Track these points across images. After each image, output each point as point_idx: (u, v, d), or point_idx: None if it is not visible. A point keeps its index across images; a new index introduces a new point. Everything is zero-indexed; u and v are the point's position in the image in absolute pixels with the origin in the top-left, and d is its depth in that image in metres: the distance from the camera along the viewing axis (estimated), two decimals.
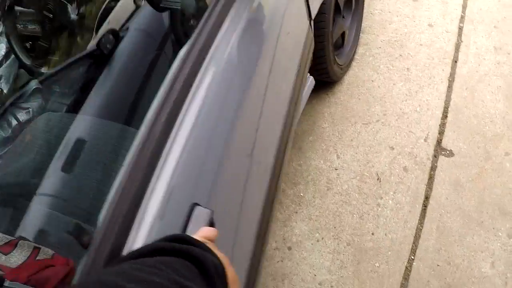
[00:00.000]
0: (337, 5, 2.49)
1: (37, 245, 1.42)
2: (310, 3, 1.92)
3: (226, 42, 1.42)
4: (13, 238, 1.47)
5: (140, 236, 1.03)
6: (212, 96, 1.33)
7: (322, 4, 2.17)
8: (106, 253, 1.01)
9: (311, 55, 2.12)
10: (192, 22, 1.39)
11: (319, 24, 2.25)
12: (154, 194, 1.11)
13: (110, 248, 1.02)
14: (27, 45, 1.68)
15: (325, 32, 2.33)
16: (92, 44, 1.53)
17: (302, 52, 1.95)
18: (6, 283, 0.82)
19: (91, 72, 1.58)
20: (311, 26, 2.02)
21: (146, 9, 1.47)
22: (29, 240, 1.43)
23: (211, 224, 1.09)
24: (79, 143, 1.49)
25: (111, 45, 1.38)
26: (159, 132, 1.16)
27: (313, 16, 2.01)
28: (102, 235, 1.03)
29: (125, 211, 1.06)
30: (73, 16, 1.46)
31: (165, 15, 1.45)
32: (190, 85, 1.26)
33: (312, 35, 2.06)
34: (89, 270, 0.97)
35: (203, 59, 1.31)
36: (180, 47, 1.31)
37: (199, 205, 1.09)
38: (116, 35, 1.40)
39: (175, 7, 1.38)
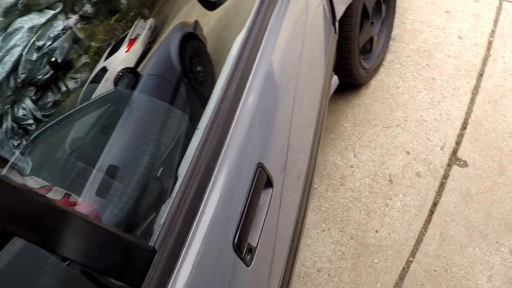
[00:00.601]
0: (365, 10, 2.63)
1: (68, 192, 1.68)
2: (334, 6, 2.09)
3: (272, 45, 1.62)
4: (48, 183, 1.73)
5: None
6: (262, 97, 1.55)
7: (349, 8, 2.32)
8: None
9: (334, 55, 2.28)
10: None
11: (345, 27, 2.41)
12: None
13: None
14: (82, 24, 1.94)
15: (351, 35, 2.48)
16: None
17: (325, 51, 2.12)
18: None
19: None
20: (335, 28, 2.19)
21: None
22: (62, 188, 1.69)
23: None
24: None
25: None
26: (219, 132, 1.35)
27: (337, 18, 2.17)
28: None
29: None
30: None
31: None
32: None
33: (336, 36, 2.22)
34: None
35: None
36: None
37: None
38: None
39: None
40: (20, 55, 1.77)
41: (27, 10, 1.87)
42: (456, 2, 3.41)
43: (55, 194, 1.73)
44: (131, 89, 1.58)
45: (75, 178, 1.72)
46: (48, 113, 1.92)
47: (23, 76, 1.79)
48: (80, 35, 1.92)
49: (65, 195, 1.71)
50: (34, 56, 1.82)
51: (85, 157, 1.74)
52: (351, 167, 2.96)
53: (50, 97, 1.95)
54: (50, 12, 1.90)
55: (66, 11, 1.87)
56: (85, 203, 1.59)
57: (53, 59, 1.84)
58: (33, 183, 1.78)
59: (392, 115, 3.09)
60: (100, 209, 1.60)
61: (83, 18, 1.99)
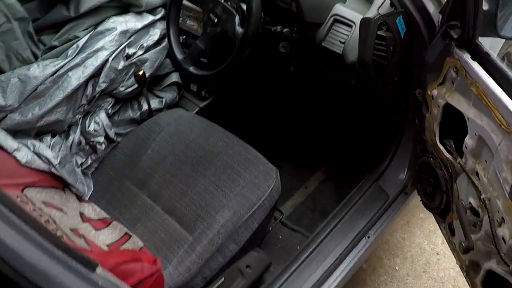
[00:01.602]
0: None
1: (129, 232, 1.37)
2: None
3: None
4: (108, 216, 1.43)
5: None
6: None
7: None
8: None
9: None
10: None
11: None
12: None
13: None
14: (181, 38, 1.69)
15: None
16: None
17: None
18: (98, 270, 0.75)
19: None
20: None
21: None
22: (122, 224, 1.39)
23: None
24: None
25: None
26: None
27: None
28: None
29: None
30: (238, 28, 1.41)
31: None
32: None
33: None
34: None
35: None
36: None
37: None
38: None
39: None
40: (106, 61, 1.50)
41: (124, 9, 1.64)
42: None
43: (113, 231, 1.43)
44: None
45: (139, 216, 1.41)
46: (123, 131, 1.65)
47: (103, 85, 1.52)
48: (177, 53, 1.65)
49: (124, 235, 1.40)
50: (121, 64, 1.55)
51: (154, 195, 1.43)
52: (437, 254, 2.52)
53: (128, 114, 1.68)
54: (149, 17, 1.65)
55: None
56: (148, 253, 1.27)
57: (140, 72, 1.57)
58: (91, 211, 1.49)
59: None
60: (164, 262, 1.27)
61: (185, 33, 1.73)
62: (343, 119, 1.94)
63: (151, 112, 1.71)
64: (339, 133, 1.94)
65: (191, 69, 1.53)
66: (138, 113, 1.69)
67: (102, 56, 1.49)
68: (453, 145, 1.16)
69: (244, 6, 1.40)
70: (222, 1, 1.41)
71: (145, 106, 1.69)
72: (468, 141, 1.05)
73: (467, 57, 1.04)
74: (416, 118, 1.34)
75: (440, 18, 1.17)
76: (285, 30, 1.40)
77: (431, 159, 1.24)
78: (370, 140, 1.84)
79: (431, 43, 1.19)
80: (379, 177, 1.50)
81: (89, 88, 1.53)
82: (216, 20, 1.42)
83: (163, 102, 1.74)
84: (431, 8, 1.22)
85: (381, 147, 1.61)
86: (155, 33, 1.66)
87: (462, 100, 1.07)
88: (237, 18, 1.38)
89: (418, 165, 1.32)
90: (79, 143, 1.55)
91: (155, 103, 1.72)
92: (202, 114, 1.75)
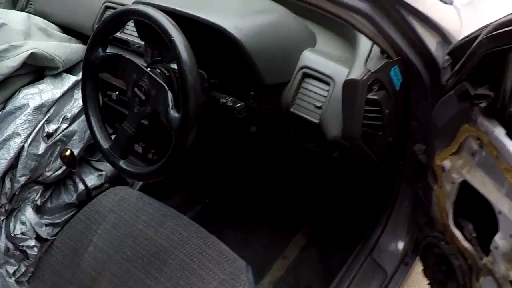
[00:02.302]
0: None
1: None
2: None
3: None
4: None
5: None
6: None
7: None
8: None
9: None
10: None
11: None
12: None
13: None
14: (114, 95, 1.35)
15: None
16: None
17: None
18: None
19: None
20: None
21: None
22: None
23: None
24: None
25: None
26: None
27: None
28: None
29: None
30: (172, 112, 0.97)
31: None
32: None
33: None
34: None
35: None
36: None
37: None
38: None
39: None
40: (21, 148, 1.19)
41: (37, 75, 1.30)
42: None
43: None
44: None
45: None
46: (58, 220, 1.33)
47: (23, 179, 1.21)
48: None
49: None
50: (42, 148, 1.24)
51: None
52: None
53: (63, 199, 1.36)
54: (71, 79, 1.33)
55: None
56: None
57: (67, 152, 1.26)
58: None
59: None
60: None
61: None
62: (323, 179, 1.70)
63: (89, 193, 1.40)
64: (319, 190, 1.69)
65: (121, 163, 1.08)
66: (75, 196, 1.39)
67: (15, 145, 1.17)
68: (473, 232, 0.93)
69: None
70: (148, 69, 1.03)
71: (81, 186, 1.38)
72: (500, 241, 0.81)
73: (500, 132, 0.77)
74: (419, 188, 1.11)
75: (447, 60, 0.92)
76: (237, 105, 1.04)
77: (442, 242, 1.02)
78: (356, 197, 1.61)
79: (440, 102, 0.93)
80: (372, 249, 1.26)
81: (7, 185, 1.22)
82: (143, 97, 1.02)
83: (103, 177, 1.44)
84: (433, 45, 0.94)
85: (370, 203, 1.38)
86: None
87: (489, 183, 0.83)
88: (170, 97, 0.97)
89: (424, 245, 1.09)
90: (7, 250, 1.24)
91: (93, 180, 1.42)
92: (151, 183, 1.46)
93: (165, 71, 1.06)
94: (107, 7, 1.41)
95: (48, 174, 1.28)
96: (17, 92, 1.25)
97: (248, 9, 1.12)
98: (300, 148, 1.23)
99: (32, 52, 1.23)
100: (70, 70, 1.36)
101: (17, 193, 1.22)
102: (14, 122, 1.19)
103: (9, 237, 1.24)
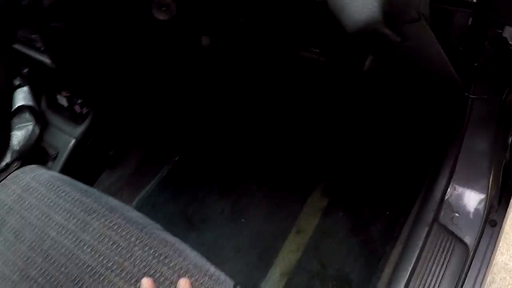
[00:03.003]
0: None
1: None
2: None
3: None
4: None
5: None
6: None
7: None
8: None
9: None
10: None
11: None
12: None
13: None
14: None
15: None
16: None
17: None
18: None
19: None
20: None
21: None
22: None
23: None
24: None
25: None
26: None
27: None
28: None
29: None
30: None
31: None
32: None
33: None
34: None
35: None
36: None
37: None
38: None
39: None
40: None
41: None
42: None
43: None
44: None
45: None
46: None
47: None
48: None
49: None
50: None
51: None
52: None
53: None
54: None
55: None
56: None
57: None
58: None
59: None
60: None
61: None
62: (343, 108, 1.17)
63: None
64: (337, 124, 1.17)
65: None
66: None
67: None
68: None
69: None
70: None
71: None
72: None
73: None
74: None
75: None
76: None
77: None
78: (399, 131, 1.09)
79: None
80: (438, 211, 0.79)
81: None
82: None
83: (8, 154, 0.93)
84: None
85: (422, 140, 0.90)
86: None
87: None
88: None
89: None
90: None
91: None
92: (85, 148, 0.97)
93: None
94: None
95: None
96: None
97: None
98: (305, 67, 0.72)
99: None
100: None
101: None
102: None
103: None
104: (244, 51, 1.13)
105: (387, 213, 0.96)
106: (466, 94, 0.69)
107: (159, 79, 1.13)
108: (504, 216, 0.81)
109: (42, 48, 0.83)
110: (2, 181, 0.85)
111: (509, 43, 0.53)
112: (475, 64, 0.68)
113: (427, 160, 0.89)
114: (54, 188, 0.78)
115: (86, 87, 0.95)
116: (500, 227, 0.81)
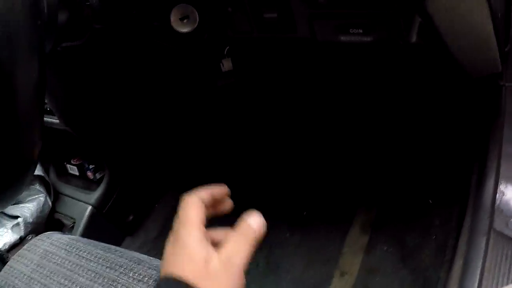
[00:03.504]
0: None
1: None
2: None
3: None
4: None
5: None
6: None
7: None
8: None
9: None
10: None
11: None
12: None
13: None
14: None
15: None
16: None
17: None
18: None
19: None
20: None
21: None
22: None
23: None
24: None
25: None
26: None
27: None
28: None
29: None
30: None
31: None
32: None
33: None
34: None
35: None
36: None
37: None
38: None
39: None
40: None
41: None
42: None
43: None
44: None
45: None
46: None
47: None
48: None
49: None
50: None
51: None
52: None
53: None
54: None
55: None
56: None
57: None
58: None
59: None
60: None
61: None
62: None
63: (3, 259, 0.85)
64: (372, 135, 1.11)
65: None
66: None
67: None
68: None
69: None
70: None
71: None
72: None
73: None
74: None
75: None
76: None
77: None
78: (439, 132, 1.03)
79: None
80: (492, 216, 0.72)
81: None
82: None
83: (21, 227, 0.88)
84: None
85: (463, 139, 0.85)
86: None
87: None
88: None
89: None
90: None
91: (7, 236, 0.86)
92: (102, 215, 0.92)
93: None
94: None
95: None
96: None
97: None
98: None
99: None
100: None
101: None
102: None
103: None
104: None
105: (434, 237, 0.88)
106: (500, 82, 0.65)
107: (176, 127, 1.10)
108: None
109: (49, 108, 0.81)
110: (18, 252, 0.79)
111: None
112: (506, 49, 0.65)
113: (466, 166, 0.83)
114: (74, 250, 0.72)
115: (101, 148, 0.92)
116: None
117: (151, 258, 0.67)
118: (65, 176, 1.01)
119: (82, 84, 0.80)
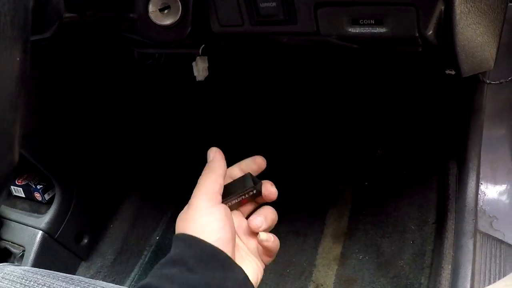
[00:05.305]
0: None
1: None
2: None
3: None
4: None
5: None
6: None
7: None
8: None
9: None
10: None
11: None
12: None
13: None
14: None
15: None
16: None
17: None
18: None
19: None
20: None
21: None
22: None
23: None
24: None
25: None
26: None
27: None
28: None
29: None
30: None
31: None
32: None
33: None
34: None
35: None
36: None
37: None
38: None
39: None
40: None
41: None
42: None
43: None
44: None
45: None
46: None
47: None
48: None
49: None
50: None
51: None
52: None
53: None
54: None
55: None
56: None
57: None
58: None
59: None
60: None
61: None
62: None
63: None
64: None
65: None
66: None
67: None
68: None
69: None
70: None
71: None
72: None
73: None
74: None
75: None
76: None
77: None
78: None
79: None
80: (476, 221, 0.71)
81: None
82: None
83: None
84: None
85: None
86: None
87: None
88: None
89: None
90: None
91: None
92: (55, 239, 0.82)
93: None
94: None
95: None
96: None
97: None
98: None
99: None
100: None
101: None
102: None
103: None
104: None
105: (411, 242, 0.87)
106: (483, 79, 0.65)
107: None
108: None
109: None
110: None
111: None
112: None
113: (443, 167, 0.82)
114: (31, 284, 0.62)
115: (49, 162, 0.81)
116: None
117: (120, 286, 0.59)
118: (9, 199, 0.89)
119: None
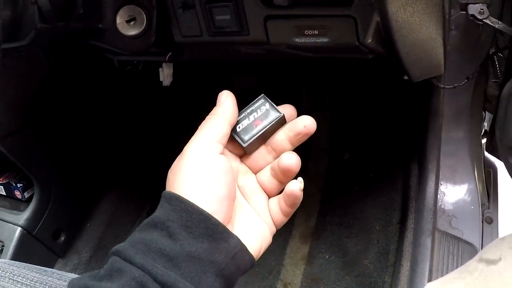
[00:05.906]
0: None
1: None
2: None
3: None
4: None
5: None
6: None
7: None
8: None
9: None
10: None
11: None
12: None
13: None
14: None
15: None
16: None
17: None
18: None
19: None
20: None
21: None
22: None
23: None
24: None
25: None
26: None
27: None
28: None
29: None
30: None
31: None
32: None
33: None
34: None
35: None
36: None
37: None
38: None
39: None
40: None
41: None
42: None
43: None
44: None
45: None
46: None
47: None
48: None
49: None
50: None
51: None
52: None
53: None
54: None
55: None
56: None
57: None
58: None
59: None
60: None
61: None
62: None
63: None
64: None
65: None
66: None
67: None
68: None
69: None
70: None
71: None
72: None
73: None
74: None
75: None
76: None
77: None
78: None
79: None
80: (435, 220, 0.75)
81: None
82: None
83: None
84: None
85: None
86: None
87: None
88: None
89: None
90: None
91: None
92: (33, 236, 0.85)
93: None
94: None
95: None
96: None
97: None
98: None
99: None
100: None
101: None
102: None
103: None
104: None
105: (376, 242, 0.90)
106: (438, 84, 0.69)
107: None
108: (497, 212, 0.80)
109: None
110: None
111: (478, 18, 0.53)
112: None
113: (404, 168, 0.86)
114: (7, 274, 0.65)
115: (36, 161, 0.85)
116: (497, 223, 0.79)
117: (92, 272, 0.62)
118: None
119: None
